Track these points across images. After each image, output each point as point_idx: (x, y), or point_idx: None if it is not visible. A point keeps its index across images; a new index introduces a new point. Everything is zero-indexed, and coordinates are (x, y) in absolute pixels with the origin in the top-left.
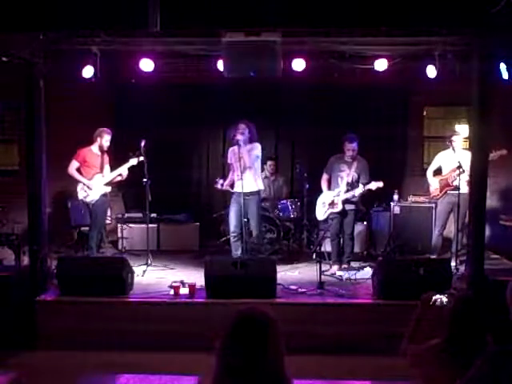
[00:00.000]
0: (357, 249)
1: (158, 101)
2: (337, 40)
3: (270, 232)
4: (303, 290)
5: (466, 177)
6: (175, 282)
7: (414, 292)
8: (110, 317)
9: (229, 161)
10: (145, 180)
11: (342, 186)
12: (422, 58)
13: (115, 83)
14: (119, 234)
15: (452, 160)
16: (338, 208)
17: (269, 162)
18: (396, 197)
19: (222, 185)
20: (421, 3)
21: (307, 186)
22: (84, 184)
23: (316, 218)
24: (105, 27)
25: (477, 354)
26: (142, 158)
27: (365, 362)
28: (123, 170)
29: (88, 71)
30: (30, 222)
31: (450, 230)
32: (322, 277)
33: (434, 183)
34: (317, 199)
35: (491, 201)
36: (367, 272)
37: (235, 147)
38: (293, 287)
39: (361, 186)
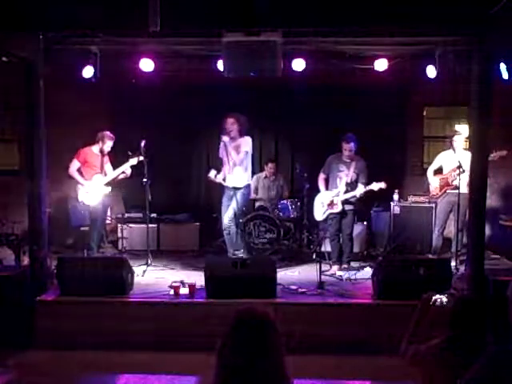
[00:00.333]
0: (357, 249)
1: (158, 101)
2: (337, 40)
3: (269, 232)
4: (303, 289)
5: (466, 177)
6: (175, 281)
7: (414, 292)
8: (110, 317)
9: (220, 155)
10: (145, 180)
11: (341, 187)
12: (421, 58)
13: (115, 83)
14: (119, 234)
15: (453, 160)
16: (338, 209)
17: (269, 165)
18: (396, 197)
19: (215, 176)
20: (421, 3)
21: (307, 185)
22: (84, 185)
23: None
24: (105, 27)
25: (477, 354)
26: (141, 158)
27: (365, 362)
28: (125, 168)
29: (88, 71)
30: (30, 222)
31: (450, 229)
32: (322, 277)
33: (433, 182)
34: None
35: (491, 201)
36: (367, 272)
37: (226, 142)
38: (293, 287)
39: (361, 186)
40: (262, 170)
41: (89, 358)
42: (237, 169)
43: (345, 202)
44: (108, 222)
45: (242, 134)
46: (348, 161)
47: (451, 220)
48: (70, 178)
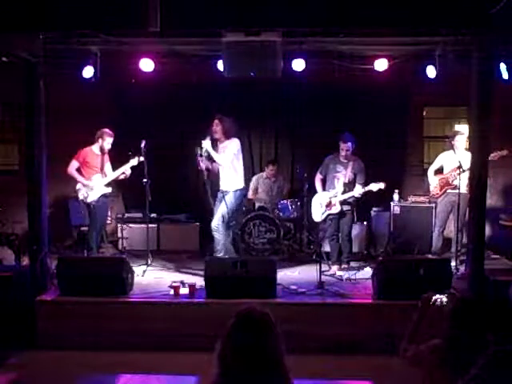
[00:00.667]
0: (357, 249)
1: (158, 101)
2: (337, 40)
3: (269, 232)
4: (303, 289)
5: (466, 177)
6: (175, 281)
7: (414, 292)
8: (110, 317)
9: (199, 167)
10: (145, 180)
11: (339, 187)
12: (422, 58)
13: (115, 83)
14: (119, 234)
15: (453, 160)
16: (337, 209)
17: (270, 166)
18: (396, 197)
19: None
20: (421, 3)
21: (307, 186)
22: (84, 184)
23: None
24: (105, 27)
25: (477, 354)
26: (142, 158)
27: (365, 361)
28: (125, 169)
29: (88, 71)
30: (30, 222)
31: (450, 229)
32: (322, 277)
33: (434, 182)
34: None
35: (491, 201)
36: (367, 272)
37: (207, 147)
38: (293, 287)
39: (359, 186)
40: (261, 170)
41: (89, 357)
42: (224, 171)
43: (343, 202)
44: (108, 222)
45: (228, 135)
46: (345, 161)
47: (451, 220)
48: (70, 177)
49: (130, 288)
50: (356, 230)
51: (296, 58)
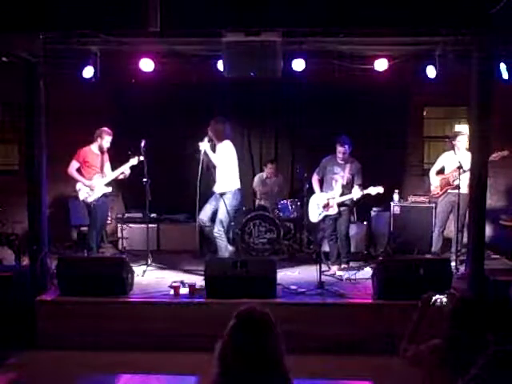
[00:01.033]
0: (357, 249)
1: (158, 101)
2: (337, 40)
3: (269, 232)
4: (303, 289)
5: (466, 177)
6: (175, 281)
7: (414, 292)
8: (110, 317)
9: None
10: (145, 180)
11: (337, 189)
12: (422, 58)
13: (115, 83)
14: (119, 234)
15: (454, 160)
16: (334, 211)
17: (268, 165)
18: (396, 197)
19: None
20: (421, 3)
21: (307, 186)
22: (85, 184)
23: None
24: (104, 27)
25: (477, 354)
26: (141, 158)
27: (365, 361)
28: (125, 169)
29: (88, 71)
30: (30, 222)
31: (450, 229)
32: (322, 277)
33: (435, 182)
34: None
35: (491, 201)
36: (367, 272)
37: (205, 148)
38: (293, 287)
39: (357, 189)
40: (261, 170)
41: (89, 357)
42: (218, 173)
43: (340, 204)
44: (108, 222)
45: (220, 138)
46: (342, 163)
47: (451, 220)
48: (71, 177)
49: (130, 288)
50: (356, 230)
51: (296, 57)
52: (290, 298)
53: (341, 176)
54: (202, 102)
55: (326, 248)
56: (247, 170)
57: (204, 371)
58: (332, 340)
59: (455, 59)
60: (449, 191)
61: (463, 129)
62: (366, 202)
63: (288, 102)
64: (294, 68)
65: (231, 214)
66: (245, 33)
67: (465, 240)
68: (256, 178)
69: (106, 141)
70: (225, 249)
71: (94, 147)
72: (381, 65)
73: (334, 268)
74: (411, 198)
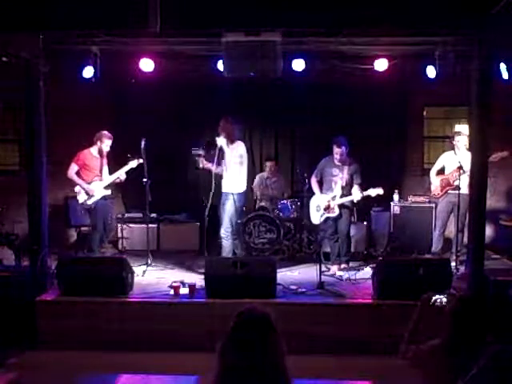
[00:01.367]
0: (357, 249)
1: (158, 101)
2: (337, 40)
3: (269, 232)
4: (303, 289)
5: (466, 177)
6: (175, 281)
7: (414, 292)
8: (110, 317)
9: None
10: (145, 180)
11: (337, 191)
12: (421, 58)
13: (115, 83)
14: (119, 234)
15: (455, 161)
16: (335, 213)
17: (267, 163)
18: (396, 197)
19: (200, 156)
20: (421, 3)
21: (307, 186)
22: (83, 189)
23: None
24: (105, 27)
25: (477, 354)
26: (141, 161)
27: (365, 361)
28: (121, 174)
29: (88, 71)
30: (30, 222)
31: (450, 230)
32: (322, 277)
33: (435, 182)
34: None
35: (491, 201)
36: (367, 272)
37: (222, 144)
38: (293, 287)
39: (357, 189)
40: (262, 170)
41: (89, 358)
42: (234, 172)
43: (341, 206)
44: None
45: (231, 137)
46: (340, 164)
47: (451, 220)
48: (70, 180)
49: (129, 288)
50: (356, 230)
51: (296, 58)
52: (290, 297)
53: (340, 178)
54: (202, 101)
55: (326, 248)
56: (248, 171)
57: (204, 371)
58: (332, 340)
59: (455, 59)
60: (449, 192)
61: (462, 129)
62: (366, 202)
63: (288, 102)
64: (294, 68)
65: (241, 212)
66: (245, 33)
67: (465, 240)
68: (256, 178)
69: (106, 144)
70: (229, 250)
71: (94, 150)
72: (381, 65)
73: (334, 268)
74: (411, 198)
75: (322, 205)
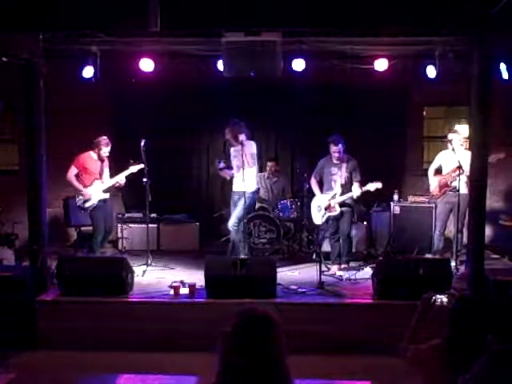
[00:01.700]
0: (357, 249)
1: (158, 101)
2: (337, 40)
3: (270, 232)
4: (303, 289)
5: (465, 177)
6: (175, 281)
7: (414, 292)
8: (110, 317)
9: (233, 161)
10: (145, 180)
11: (337, 189)
12: (421, 58)
13: (115, 83)
14: (119, 234)
15: (452, 160)
16: (336, 211)
17: (269, 163)
18: (396, 197)
19: (222, 169)
20: (421, 3)
21: (307, 186)
22: (81, 193)
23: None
24: (105, 27)
25: (477, 354)
26: (141, 166)
27: (365, 362)
28: (121, 178)
29: (88, 71)
30: (30, 222)
31: (450, 230)
32: (322, 277)
33: (433, 182)
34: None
35: (491, 201)
36: (367, 272)
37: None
38: (293, 287)
39: (356, 186)
40: (261, 170)
41: (89, 357)
42: (248, 172)
43: (342, 204)
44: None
45: (237, 139)
46: (338, 162)
47: (451, 220)
48: (69, 183)
49: (129, 288)
50: (356, 230)
51: (296, 58)
52: (290, 298)
53: (339, 176)
54: (202, 102)
55: (326, 248)
56: None
57: (204, 371)
58: (332, 340)
59: (455, 59)
60: (448, 192)
61: (457, 127)
62: (368, 199)
63: (288, 102)
64: (293, 68)
65: (250, 212)
66: (245, 33)
67: (465, 240)
68: (257, 178)
69: (104, 151)
70: (238, 245)
71: (94, 154)
72: (381, 65)
73: (334, 268)
74: (411, 198)
75: (323, 204)
